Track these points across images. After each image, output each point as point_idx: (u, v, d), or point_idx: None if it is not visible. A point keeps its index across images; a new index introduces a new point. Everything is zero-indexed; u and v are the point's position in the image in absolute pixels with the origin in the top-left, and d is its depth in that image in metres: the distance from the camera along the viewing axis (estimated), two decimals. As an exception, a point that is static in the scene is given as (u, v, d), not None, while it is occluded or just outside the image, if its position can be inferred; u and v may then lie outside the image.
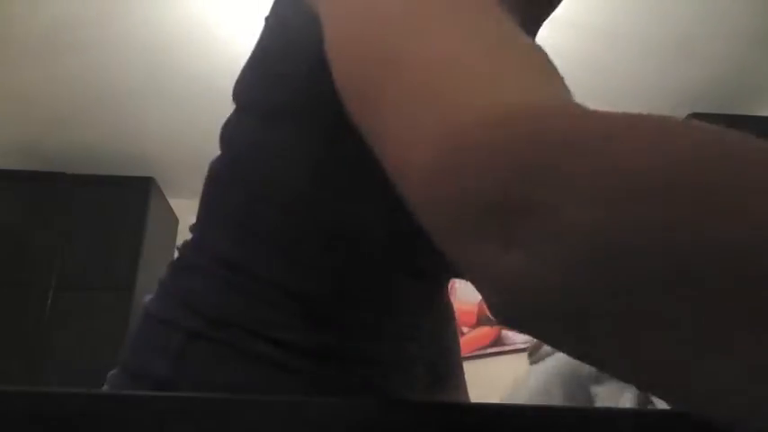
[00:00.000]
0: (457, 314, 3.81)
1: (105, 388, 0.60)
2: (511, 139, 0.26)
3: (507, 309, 0.28)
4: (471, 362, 3.95)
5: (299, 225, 0.56)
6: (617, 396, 1.55)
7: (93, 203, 3.87)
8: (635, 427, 0.46)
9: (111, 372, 0.62)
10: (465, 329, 4.11)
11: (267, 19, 0.63)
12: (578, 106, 0.28)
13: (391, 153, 0.33)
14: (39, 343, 3.53)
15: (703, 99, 3.28)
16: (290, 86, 0.57)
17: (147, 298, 0.64)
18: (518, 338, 3.72)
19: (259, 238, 0.57)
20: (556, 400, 1.63)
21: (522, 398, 1.75)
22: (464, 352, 3.91)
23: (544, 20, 0.71)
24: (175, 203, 4.43)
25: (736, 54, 3.04)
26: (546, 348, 1.83)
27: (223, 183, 0.64)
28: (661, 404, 1.88)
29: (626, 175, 0.22)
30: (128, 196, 3.92)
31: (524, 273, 0.25)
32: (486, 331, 3.85)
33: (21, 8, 2.76)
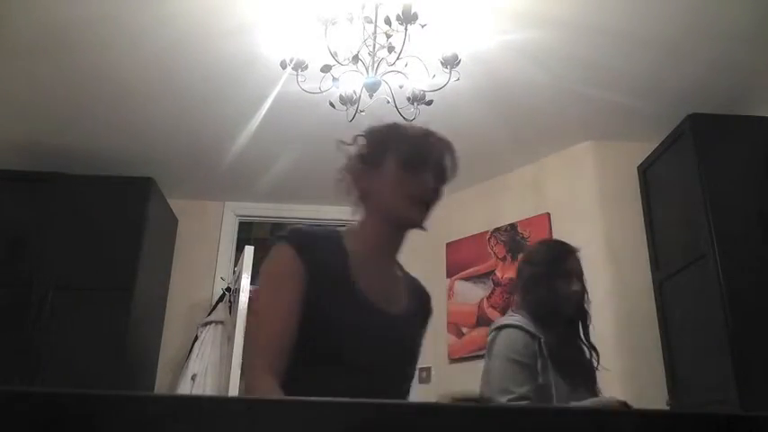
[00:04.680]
0: (457, 315, 3.87)
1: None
2: None
3: None
4: (471, 362, 3.94)
5: None
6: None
7: (93, 203, 3.86)
8: (635, 427, 0.46)
9: None
10: (465, 330, 4.11)
11: None
12: None
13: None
14: (39, 343, 3.53)
15: (700, 100, 3.28)
16: None
17: None
18: (518, 339, 3.71)
19: None
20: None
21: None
22: (464, 352, 3.97)
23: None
24: (175, 203, 4.43)
25: (733, 55, 3.04)
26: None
27: None
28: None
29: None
30: (128, 196, 3.92)
31: None
32: (486, 332, 3.84)
33: (21, 9, 2.76)
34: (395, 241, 1.31)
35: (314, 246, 1.21)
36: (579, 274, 2.02)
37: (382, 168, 1.28)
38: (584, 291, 2.04)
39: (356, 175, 1.31)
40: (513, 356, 1.87)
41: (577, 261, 2.04)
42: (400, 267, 1.38)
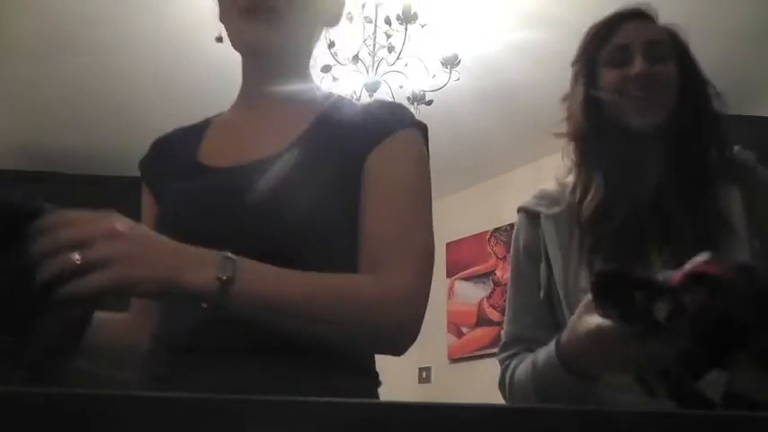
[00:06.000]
0: (457, 315, 3.87)
1: None
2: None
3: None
4: (471, 362, 3.94)
5: None
6: None
7: (93, 203, 3.85)
8: (635, 427, 0.46)
9: None
10: (465, 330, 4.11)
11: None
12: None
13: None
14: (38, 343, 3.53)
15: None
16: None
17: None
18: (518, 339, 3.71)
19: None
20: None
21: None
22: (464, 352, 3.97)
23: None
24: (175, 203, 4.43)
25: (734, 55, 3.03)
26: None
27: None
28: None
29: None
30: (128, 196, 3.91)
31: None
32: (486, 331, 3.84)
33: (21, 8, 2.76)
34: (257, 76, 1.02)
35: (158, 152, 1.14)
36: (649, 48, 1.12)
37: None
38: (686, 71, 1.14)
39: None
40: (513, 264, 1.20)
41: (646, 29, 1.17)
42: (330, 103, 1.02)
